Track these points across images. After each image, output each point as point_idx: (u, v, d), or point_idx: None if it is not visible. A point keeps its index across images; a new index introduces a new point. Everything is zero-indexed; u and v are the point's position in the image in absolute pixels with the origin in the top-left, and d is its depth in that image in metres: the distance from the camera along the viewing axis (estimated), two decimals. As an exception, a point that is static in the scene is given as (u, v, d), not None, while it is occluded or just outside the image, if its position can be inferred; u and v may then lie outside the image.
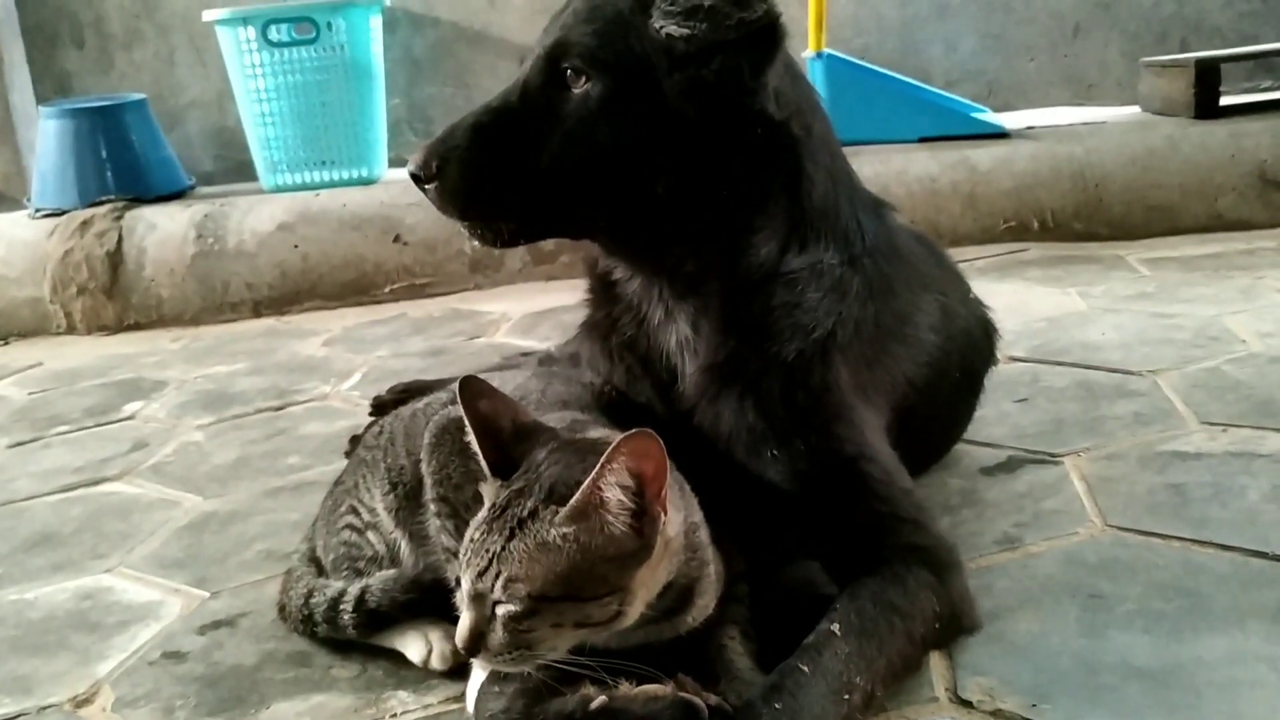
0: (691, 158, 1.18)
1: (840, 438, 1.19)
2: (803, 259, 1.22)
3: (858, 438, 1.20)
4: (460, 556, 1.01)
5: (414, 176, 1.20)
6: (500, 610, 0.96)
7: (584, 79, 1.17)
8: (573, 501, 0.95)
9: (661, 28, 1.15)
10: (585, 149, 1.18)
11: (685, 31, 1.14)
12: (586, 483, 0.94)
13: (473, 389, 1.05)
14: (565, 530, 0.95)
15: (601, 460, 0.94)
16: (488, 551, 0.97)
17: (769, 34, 1.16)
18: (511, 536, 0.97)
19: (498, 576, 0.96)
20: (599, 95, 1.17)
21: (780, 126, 1.21)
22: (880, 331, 1.26)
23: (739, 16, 1.14)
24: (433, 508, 1.21)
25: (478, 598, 0.98)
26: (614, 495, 0.95)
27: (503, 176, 1.19)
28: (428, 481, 1.22)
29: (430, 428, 1.25)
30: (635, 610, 1.00)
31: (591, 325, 1.38)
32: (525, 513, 0.97)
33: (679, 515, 1.03)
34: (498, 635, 0.96)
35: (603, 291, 1.35)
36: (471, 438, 1.04)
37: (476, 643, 0.97)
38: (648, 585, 1.00)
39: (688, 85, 1.16)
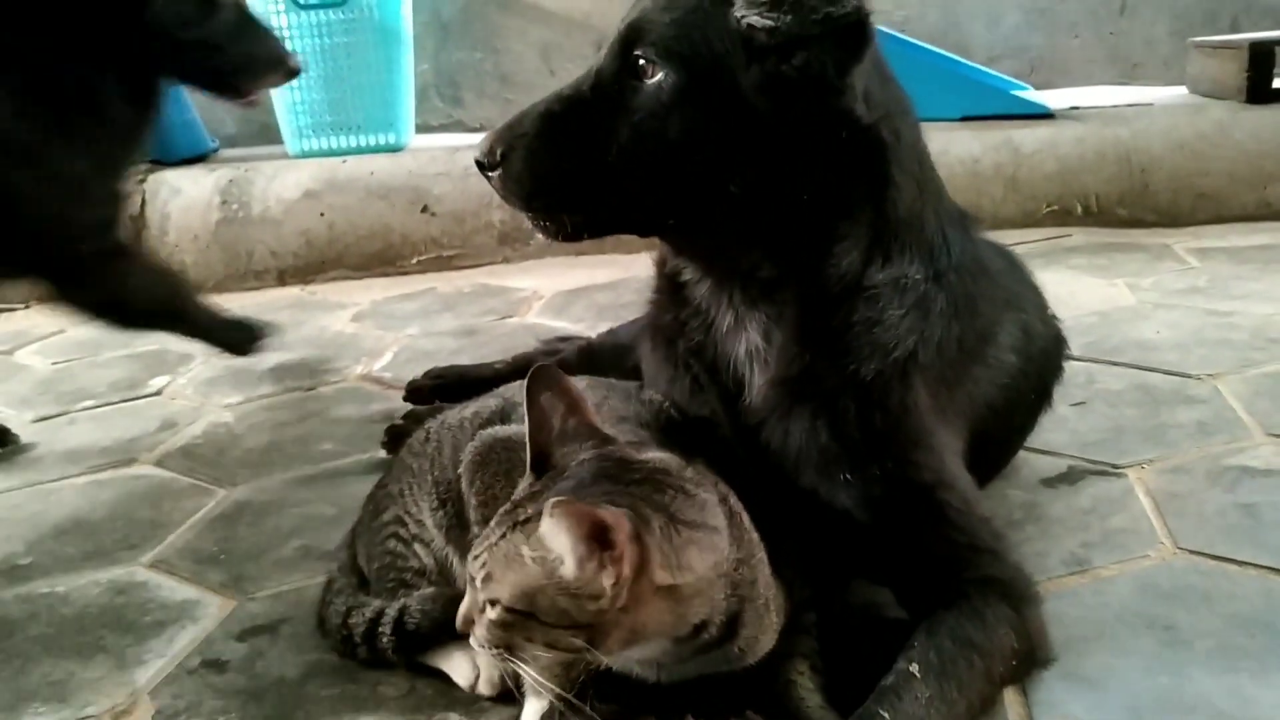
0: (769, 158, 1.11)
1: (918, 464, 1.13)
2: (886, 273, 1.15)
3: (936, 464, 1.14)
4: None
5: (478, 164, 1.15)
6: (488, 611, 0.95)
7: (657, 70, 1.11)
8: (534, 525, 0.92)
9: (743, 18, 1.07)
10: (655, 143, 1.12)
11: (768, 23, 1.06)
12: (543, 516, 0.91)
13: (541, 380, 1.03)
14: (534, 553, 0.92)
15: (545, 507, 0.90)
16: (488, 540, 0.96)
17: (857, 31, 1.09)
18: (504, 536, 0.95)
19: (484, 566, 0.95)
20: (671, 87, 1.10)
21: (868, 130, 1.13)
22: (962, 353, 1.20)
23: (826, 11, 1.07)
24: (476, 530, 1.17)
25: (471, 581, 0.97)
26: (558, 541, 0.91)
27: (568, 168, 1.14)
28: (471, 502, 1.18)
29: (475, 444, 1.20)
30: (611, 648, 0.94)
31: (656, 329, 1.32)
32: (525, 517, 0.95)
33: (708, 558, 0.97)
34: (481, 629, 0.96)
35: (671, 293, 1.28)
36: (526, 429, 1.02)
37: (467, 626, 0.98)
38: (627, 628, 0.94)
39: (767, 81, 1.09)
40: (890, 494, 1.12)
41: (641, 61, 1.12)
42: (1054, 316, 1.49)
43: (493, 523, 0.98)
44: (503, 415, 1.26)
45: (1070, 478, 1.58)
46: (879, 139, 1.15)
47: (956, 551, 1.12)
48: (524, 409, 1.03)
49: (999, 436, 1.33)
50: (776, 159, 1.12)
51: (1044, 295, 1.48)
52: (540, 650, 0.95)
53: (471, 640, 0.98)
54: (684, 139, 1.11)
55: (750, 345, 1.20)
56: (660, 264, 1.31)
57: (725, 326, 1.22)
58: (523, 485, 1.01)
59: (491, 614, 0.94)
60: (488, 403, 1.30)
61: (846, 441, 1.14)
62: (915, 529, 1.13)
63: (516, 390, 1.29)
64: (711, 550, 0.98)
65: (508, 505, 0.99)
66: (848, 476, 1.13)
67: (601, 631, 0.93)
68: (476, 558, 0.97)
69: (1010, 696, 1.11)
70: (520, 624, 0.93)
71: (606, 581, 0.90)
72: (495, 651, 0.96)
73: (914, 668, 1.01)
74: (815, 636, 1.10)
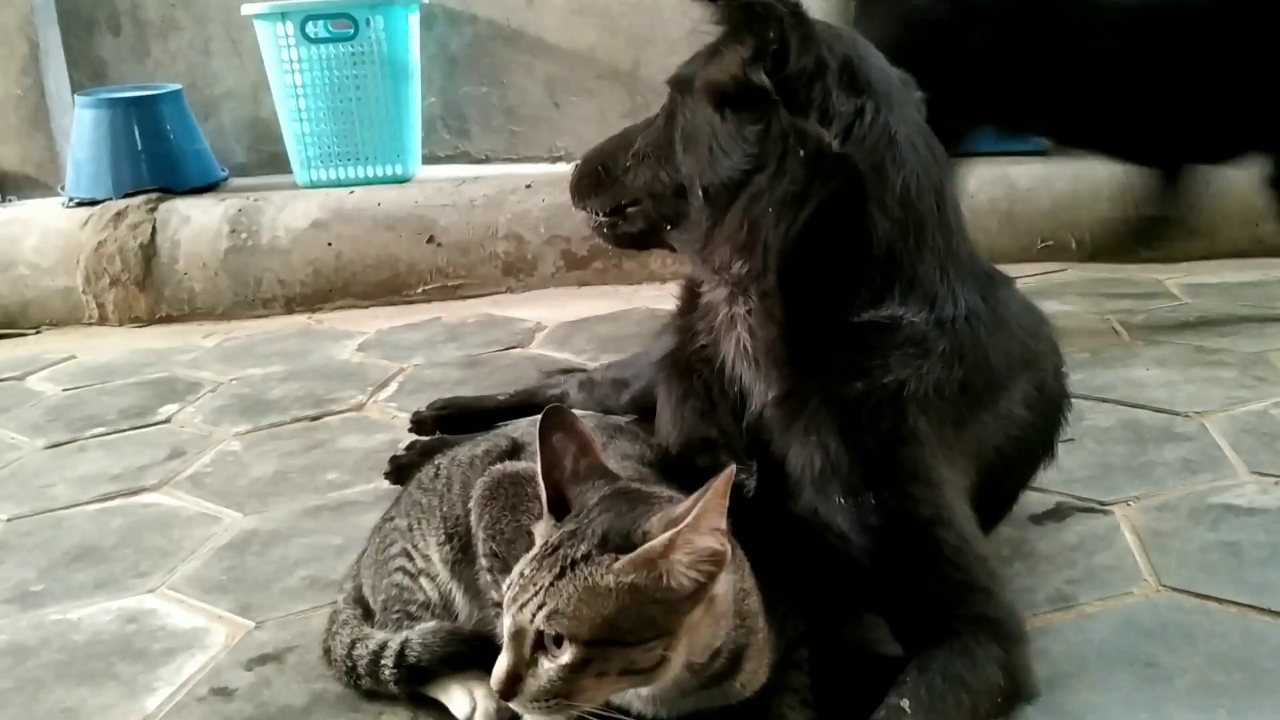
0: (729, 165, 1.19)
1: (916, 498, 1.16)
2: (877, 312, 1.17)
3: (936, 499, 1.16)
4: (505, 592, 1.00)
5: None
6: (546, 663, 0.94)
7: (668, 93, 1.29)
8: (642, 550, 0.93)
9: None
10: (649, 150, 1.31)
11: None
12: (674, 531, 0.92)
13: (552, 421, 1.06)
14: (624, 579, 0.93)
15: (703, 501, 0.92)
16: (534, 586, 0.95)
17: (764, 28, 1.14)
18: (561, 575, 0.95)
19: (540, 608, 0.94)
20: (665, 105, 1.30)
21: (840, 159, 1.15)
22: (967, 395, 1.22)
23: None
24: (484, 563, 1.21)
25: (518, 634, 0.96)
26: (704, 541, 0.93)
27: (603, 175, 1.37)
28: (479, 536, 1.22)
29: (485, 479, 1.24)
30: (679, 660, 0.98)
31: (673, 357, 1.37)
32: (579, 555, 0.95)
33: (729, 577, 1.01)
34: (539, 681, 0.94)
35: (689, 302, 1.36)
36: (539, 472, 1.04)
37: (513, 685, 0.95)
38: (694, 633, 0.98)
39: (713, 88, 1.19)
40: (888, 525, 1.15)
41: (670, 91, 1.29)
42: (1067, 374, 1.50)
43: (526, 571, 0.97)
44: (513, 453, 1.30)
45: (1058, 514, 1.62)
46: (852, 171, 1.15)
47: (951, 588, 1.15)
48: (535, 448, 1.06)
49: (1005, 484, 1.38)
50: (735, 168, 1.19)
51: (1062, 354, 1.49)
52: (613, 679, 0.95)
53: (516, 704, 0.96)
54: (662, 147, 1.29)
55: (741, 344, 1.24)
56: (684, 283, 1.41)
57: (722, 323, 1.27)
58: (544, 528, 1.02)
59: (565, 658, 0.93)
60: (498, 441, 1.34)
61: (832, 459, 1.17)
62: (912, 563, 1.16)
63: (526, 428, 1.34)
64: (731, 571, 1.02)
65: (543, 549, 0.98)
66: (842, 500, 1.16)
67: (677, 638, 0.96)
68: (524, 607, 0.95)
69: (995, 731, 1.15)
70: (599, 657, 0.94)
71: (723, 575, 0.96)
72: (553, 702, 0.94)
73: (904, 703, 1.05)
74: (807, 672, 1.14)
